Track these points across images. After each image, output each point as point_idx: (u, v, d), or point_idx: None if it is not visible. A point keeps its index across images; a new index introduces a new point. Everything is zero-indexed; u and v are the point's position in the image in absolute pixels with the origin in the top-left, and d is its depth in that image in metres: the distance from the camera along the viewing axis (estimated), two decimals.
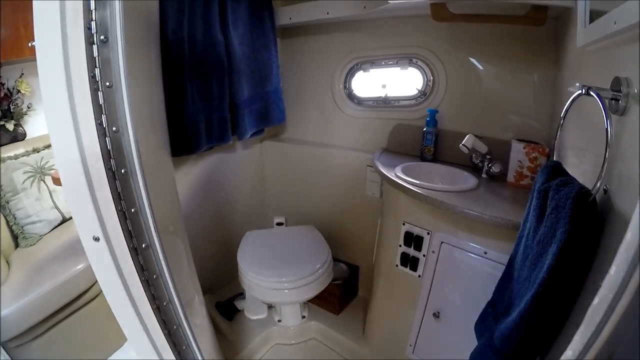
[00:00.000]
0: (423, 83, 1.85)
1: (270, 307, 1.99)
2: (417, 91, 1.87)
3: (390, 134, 1.95)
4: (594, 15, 0.87)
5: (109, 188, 0.85)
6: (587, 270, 0.71)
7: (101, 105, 0.82)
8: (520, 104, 1.62)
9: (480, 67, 1.68)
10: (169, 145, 1.32)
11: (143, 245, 0.94)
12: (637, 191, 0.61)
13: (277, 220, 2.19)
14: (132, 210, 0.91)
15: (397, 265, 1.47)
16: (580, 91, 0.71)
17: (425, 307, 1.40)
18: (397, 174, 1.47)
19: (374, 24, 1.87)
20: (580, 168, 0.87)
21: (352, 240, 2.13)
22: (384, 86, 1.96)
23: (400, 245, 1.43)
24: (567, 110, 0.84)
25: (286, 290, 1.62)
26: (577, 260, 0.70)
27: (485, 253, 1.21)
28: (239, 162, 2.11)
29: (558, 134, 0.89)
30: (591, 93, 0.69)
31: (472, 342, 1.03)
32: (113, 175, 0.86)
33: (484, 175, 1.57)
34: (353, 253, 2.15)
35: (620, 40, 0.72)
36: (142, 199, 0.91)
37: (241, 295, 2.07)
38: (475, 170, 1.62)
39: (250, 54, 1.82)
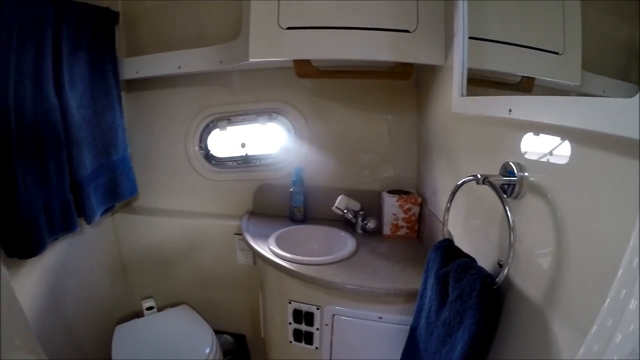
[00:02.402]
0: (285, 139, 1.83)
1: None
2: (279, 149, 1.84)
3: (254, 195, 1.85)
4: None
5: None
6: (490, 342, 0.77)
7: None
8: (386, 154, 1.73)
9: (345, 118, 1.73)
10: None
11: None
12: (534, 270, 0.68)
13: (146, 304, 1.89)
14: None
15: (290, 342, 1.39)
16: (476, 179, 0.76)
17: None
18: (271, 249, 1.40)
19: (230, 76, 1.76)
20: (474, 246, 0.94)
21: (231, 310, 1.96)
22: (243, 145, 1.84)
23: (290, 323, 1.36)
24: (455, 192, 0.89)
25: None
26: (485, 341, 0.74)
27: (380, 318, 1.23)
28: (90, 245, 1.71)
29: (447, 214, 0.93)
30: (489, 182, 0.74)
31: None
32: None
33: (359, 231, 1.61)
34: (235, 322, 1.98)
35: (512, 123, 0.78)
36: None
37: None
38: (349, 226, 1.65)
39: (92, 118, 1.53)
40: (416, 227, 1.56)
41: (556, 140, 0.65)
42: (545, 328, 0.63)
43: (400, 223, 1.55)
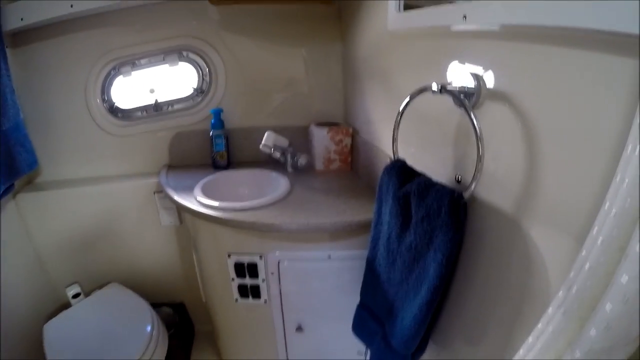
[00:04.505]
0: (198, 79, 1.62)
1: None
2: (193, 90, 1.63)
3: (170, 146, 1.66)
4: None
5: None
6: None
7: None
8: (310, 84, 1.62)
9: (262, 51, 1.57)
10: None
11: None
12: (502, 180, 0.66)
13: (71, 292, 1.62)
14: None
15: (236, 300, 1.30)
16: (434, 89, 0.70)
17: (284, 326, 1.31)
18: (198, 200, 1.25)
19: (131, 13, 1.48)
20: (427, 165, 0.88)
21: (165, 279, 1.80)
22: (152, 91, 1.62)
23: (233, 279, 1.26)
24: (406, 106, 0.82)
25: None
26: (457, 257, 0.74)
27: (329, 257, 1.18)
28: None
29: (397, 132, 0.87)
30: (448, 90, 0.68)
31: (348, 339, 1.07)
32: None
33: (289, 170, 1.52)
34: (171, 292, 1.83)
35: (464, 34, 0.73)
36: None
37: None
38: (279, 165, 1.55)
39: None
40: (349, 160, 1.51)
41: (520, 45, 0.60)
42: (521, 234, 0.61)
43: (333, 156, 1.49)
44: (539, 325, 0.51)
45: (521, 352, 0.54)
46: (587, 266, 0.43)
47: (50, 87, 1.53)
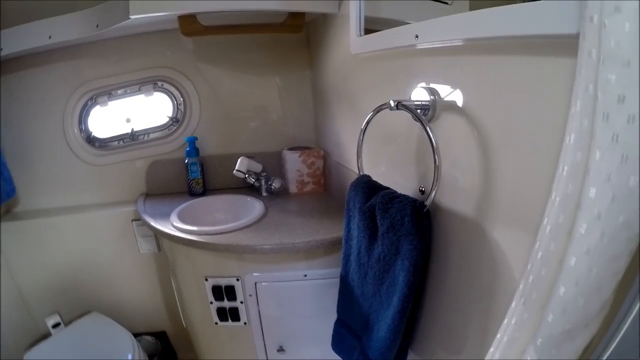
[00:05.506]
0: (173, 108, 1.64)
1: None
2: (168, 119, 1.65)
3: (147, 174, 1.66)
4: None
5: None
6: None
7: None
8: (283, 111, 1.67)
9: (236, 80, 1.62)
10: None
11: None
12: (461, 186, 0.69)
13: (50, 321, 1.56)
14: None
15: (216, 323, 1.28)
16: (389, 106, 0.73)
17: (265, 348, 1.29)
18: (175, 225, 1.25)
19: (106, 45, 1.51)
20: (391, 179, 0.92)
21: (145, 308, 1.76)
22: (128, 120, 1.63)
23: (211, 302, 1.24)
24: (367, 123, 0.86)
25: None
26: (424, 262, 0.75)
27: (305, 275, 1.18)
28: None
29: (361, 148, 0.89)
30: (404, 106, 0.71)
31: (330, 357, 1.07)
32: None
33: (264, 194, 1.54)
34: (152, 320, 1.79)
35: (419, 52, 0.78)
36: None
37: None
38: (253, 190, 1.56)
39: None
40: (322, 181, 1.54)
41: (467, 58, 0.65)
42: (484, 236, 0.64)
43: (306, 179, 1.51)
44: (505, 320, 0.53)
45: (492, 349, 0.56)
46: (539, 255, 0.46)
47: (28, 117, 1.54)
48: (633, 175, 0.34)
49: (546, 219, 0.45)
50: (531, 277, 0.47)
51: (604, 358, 0.46)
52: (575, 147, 0.40)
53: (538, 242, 0.46)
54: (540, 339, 0.46)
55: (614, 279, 0.38)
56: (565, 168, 0.41)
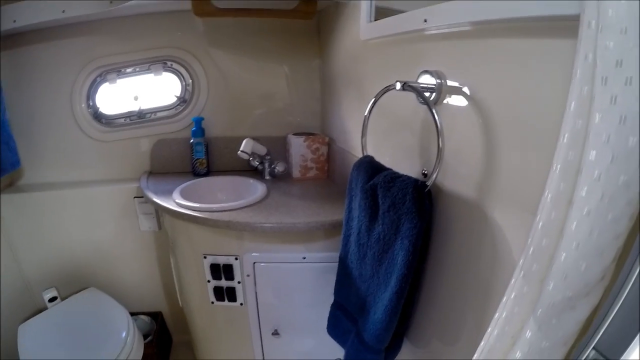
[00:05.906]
0: (181, 89, 1.64)
1: None
2: (175, 99, 1.65)
3: (152, 153, 1.66)
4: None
5: None
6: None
7: None
8: (289, 96, 1.67)
9: (245, 65, 1.62)
10: None
11: None
12: (464, 168, 0.68)
13: (47, 295, 1.57)
14: None
15: (212, 303, 1.28)
16: (398, 87, 0.73)
17: (260, 331, 1.29)
18: (177, 202, 1.25)
19: (118, 23, 1.51)
20: (395, 161, 0.92)
21: (143, 287, 1.77)
22: (136, 98, 1.63)
23: (209, 281, 1.25)
24: (372, 106, 0.85)
25: None
26: (424, 247, 0.75)
27: (304, 258, 1.18)
28: None
29: (366, 129, 0.90)
30: (410, 86, 0.71)
31: (325, 343, 1.07)
32: None
33: (267, 177, 1.54)
34: (149, 300, 1.80)
35: (426, 37, 0.78)
36: None
37: None
38: (256, 173, 1.57)
39: None
40: (326, 168, 1.54)
41: (473, 42, 0.64)
42: (485, 219, 0.63)
43: (310, 164, 1.51)
44: (504, 298, 0.52)
45: (489, 329, 0.55)
46: (540, 225, 0.45)
47: (36, 90, 1.54)
48: (632, 135, 0.34)
49: (547, 190, 0.45)
50: (532, 249, 0.46)
51: (602, 329, 0.45)
52: (576, 114, 0.40)
53: (538, 215, 0.46)
54: (540, 309, 0.45)
55: (615, 242, 0.37)
56: (566, 135, 0.41)
